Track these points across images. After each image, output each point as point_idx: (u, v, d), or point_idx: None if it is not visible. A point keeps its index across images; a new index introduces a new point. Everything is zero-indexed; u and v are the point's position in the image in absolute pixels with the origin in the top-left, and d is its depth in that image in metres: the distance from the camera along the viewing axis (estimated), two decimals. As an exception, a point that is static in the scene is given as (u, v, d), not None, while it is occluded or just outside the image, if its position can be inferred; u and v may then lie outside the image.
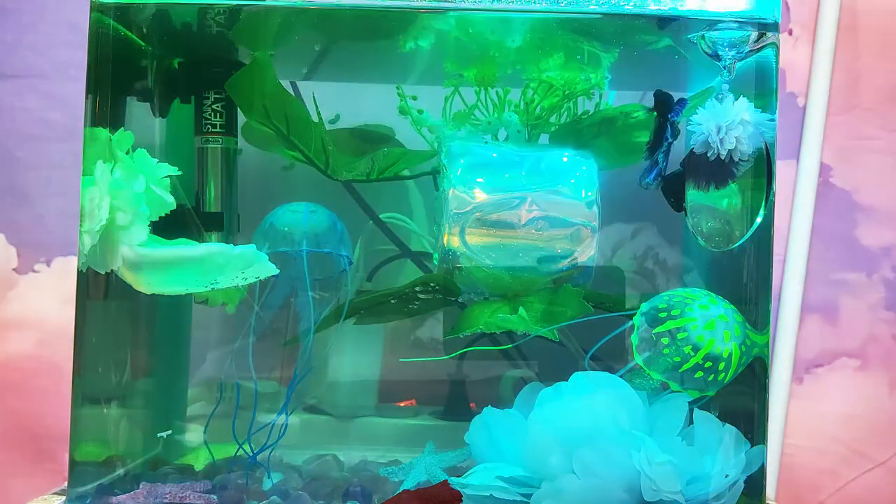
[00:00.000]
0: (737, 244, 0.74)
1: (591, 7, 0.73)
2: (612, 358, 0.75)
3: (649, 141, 0.75)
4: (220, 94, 0.80)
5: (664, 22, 0.74)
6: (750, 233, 0.73)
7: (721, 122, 0.71)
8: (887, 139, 1.02)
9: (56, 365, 1.00)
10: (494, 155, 0.79)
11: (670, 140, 0.73)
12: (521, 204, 0.76)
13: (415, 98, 0.81)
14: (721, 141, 0.71)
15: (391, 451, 0.84)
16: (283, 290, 0.79)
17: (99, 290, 0.75)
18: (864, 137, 1.02)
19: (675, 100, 0.74)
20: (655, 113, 0.75)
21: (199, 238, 0.79)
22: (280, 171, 0.86)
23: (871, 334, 1.02)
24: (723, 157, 0.71)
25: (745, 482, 0.70)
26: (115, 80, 0.75)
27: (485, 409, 0.72)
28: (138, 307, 0.81)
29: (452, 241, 0.76)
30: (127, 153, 0.73)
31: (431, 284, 0.81)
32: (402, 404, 0.91)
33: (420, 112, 0.81)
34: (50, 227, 1.00)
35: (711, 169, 0.72)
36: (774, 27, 0.73)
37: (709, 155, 0.72)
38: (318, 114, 0.80)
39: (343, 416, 0.89)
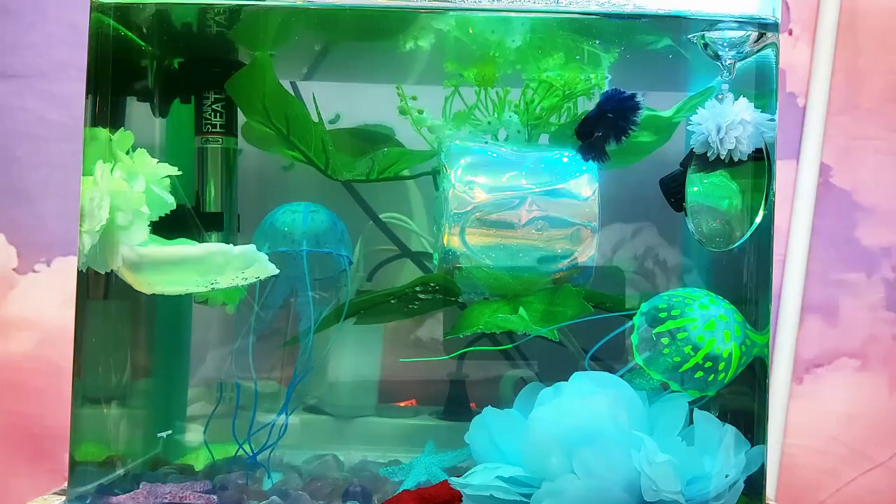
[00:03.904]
0: (737, 244, 0.74)
1: (591, 7, 0.73)
2: (612, 358, 0.75)
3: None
4: (220, 94, 0.80)
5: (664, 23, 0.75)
6: (750, 233, 0.73)
7: (721, 122, 0.71)
8: (887, 139, 1.02)
9: (56, 365, 1.00)
10: (494, 155, 0.79)
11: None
12: (521, 204, 0.76)
13: (415, 98, 0.81)
14: (721, 141, 0.71)
15: (391, 451, 0.84)
16: (283, 290, 0.79)
17: (99, 290, 0.75)
18: (864, 137, 1.02)
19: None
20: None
21: (199, 238, 0.79)
22: (280, 171, 0.86)
23: (871, 334, 1.02)
24: (722, 157, 0.71)
25: (745, 482, 0.70)
26: (115, 80, 0.75)
27: (485, 409, 0.72)
28: (138, 307, 0.81)
29: (452, 241, 0.76)
30: (127, 153, 0.73)
31: (431, 284, 0.81)
32: (402, 404, 0.91)
33: (420, 112, 0.81)
34: (50, 227, 1.00)
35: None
36: (774, 27, 0.73)
37: (708, 155, 0.72)
38: (318, 114, 0.80)
39: (343, 416, 0.89)
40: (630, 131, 0.73)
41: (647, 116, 0.79)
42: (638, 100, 0.73)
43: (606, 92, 0.74)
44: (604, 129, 0.73)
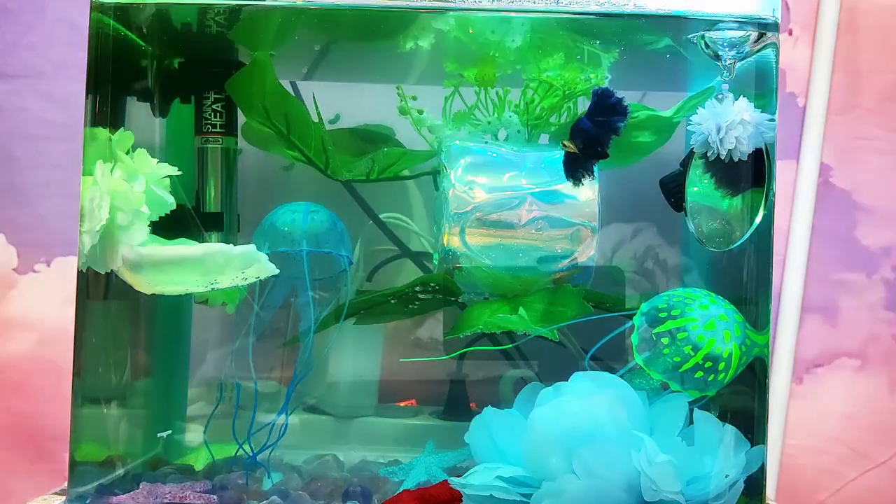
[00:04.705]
0: (737, 244, 0.74)
1: (591, 7, 0.73)
2: (612, 358, 0.75)
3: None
4: (220, 94, 0.80)
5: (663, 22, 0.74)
6: (750, 233, 0.73)
7: (721, 122, 0.71)
8: (887, 139, 1.02)
9: (56, 365, 1.00)
10: (494, 155, 0.79)
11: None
12: (521, 204, 0.76)
13: (415, 98, 0.81)
14: (721, 141, 0.70)
15: (391, 451, 0.84)
16: (283, 290, 0.79)
17: (99, 290, 0.75)
18: (864, 137, 1.02)
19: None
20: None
21: (199, 238, 0.79)
22: (280, 171, 0.86)
23: (871, 334, 1.02)
24: (722, 157, 0.71)
25: (745, 482, 0.70)
26: (115, 80, 0.75)
27: (485, 409, 0.72)
28: (138, 307, 0.81)
29: (452, 241, 0.76)
30: (127, 153, 0.73)
31: (431, 284, 0.81)
32: (402, 404, 0.91)
33: (420, 112, 0.81)
34: (50, 227, 1.00)
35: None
36: (774, 27, 0.73)
37: (708, 155, 0.71)
38: (318, 114, 0.80)
39: (343, 416, 0.89)
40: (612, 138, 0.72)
41: (647, 116, 0.79)
42: (625, 105, 0.71)
43: (595, 96, 0.72)
44: (593, 143, 0.72)
